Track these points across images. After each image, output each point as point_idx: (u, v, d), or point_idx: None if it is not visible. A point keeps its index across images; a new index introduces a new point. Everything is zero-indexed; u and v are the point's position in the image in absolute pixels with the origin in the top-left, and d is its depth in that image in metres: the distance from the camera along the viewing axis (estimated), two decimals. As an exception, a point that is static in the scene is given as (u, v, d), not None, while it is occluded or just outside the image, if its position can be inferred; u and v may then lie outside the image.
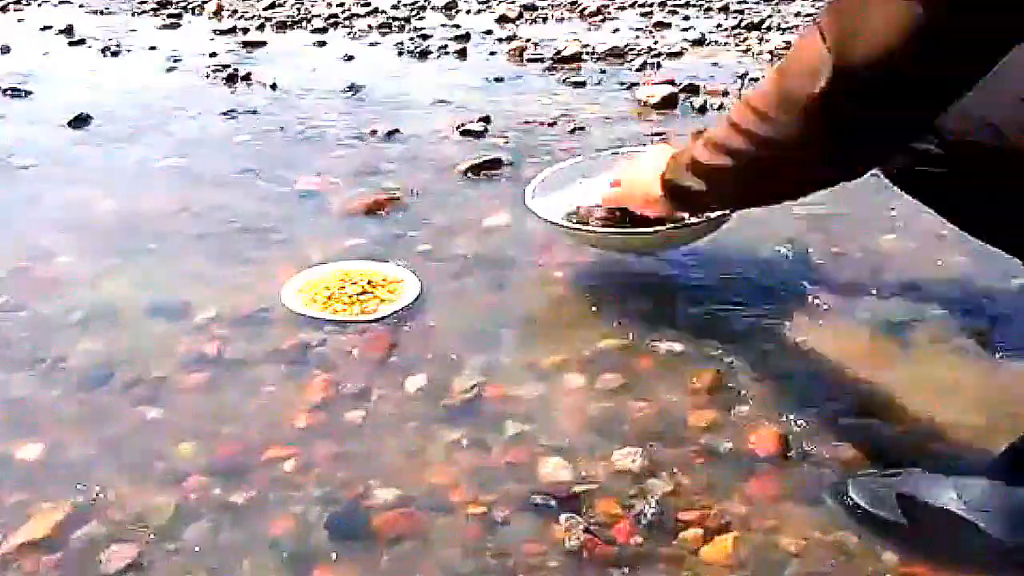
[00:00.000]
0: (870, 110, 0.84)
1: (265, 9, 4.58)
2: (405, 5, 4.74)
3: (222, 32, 4.05)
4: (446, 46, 3.71)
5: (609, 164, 1.63)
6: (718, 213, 1.44)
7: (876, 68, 0.81)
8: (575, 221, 1.53)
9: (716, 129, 1.06)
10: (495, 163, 2.20)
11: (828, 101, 0.84)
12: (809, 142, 0.90)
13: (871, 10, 0.80)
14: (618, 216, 1.48)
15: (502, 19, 4.36)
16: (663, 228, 1.43)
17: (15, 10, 4.75)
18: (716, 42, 3.85)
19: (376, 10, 4.57)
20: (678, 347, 1.37)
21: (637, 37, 3.93)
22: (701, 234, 1.53)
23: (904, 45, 0.78)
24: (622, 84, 3.07)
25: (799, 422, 1.20)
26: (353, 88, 2.99)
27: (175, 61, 3.44)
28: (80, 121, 2.60)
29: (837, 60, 0.82)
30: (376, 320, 1.47)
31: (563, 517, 1.02)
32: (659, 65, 3.35)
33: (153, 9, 4.61)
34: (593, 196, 1.55)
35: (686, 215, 1.43)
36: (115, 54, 3.63)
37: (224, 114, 2.70)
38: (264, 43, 3.81)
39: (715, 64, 3.39)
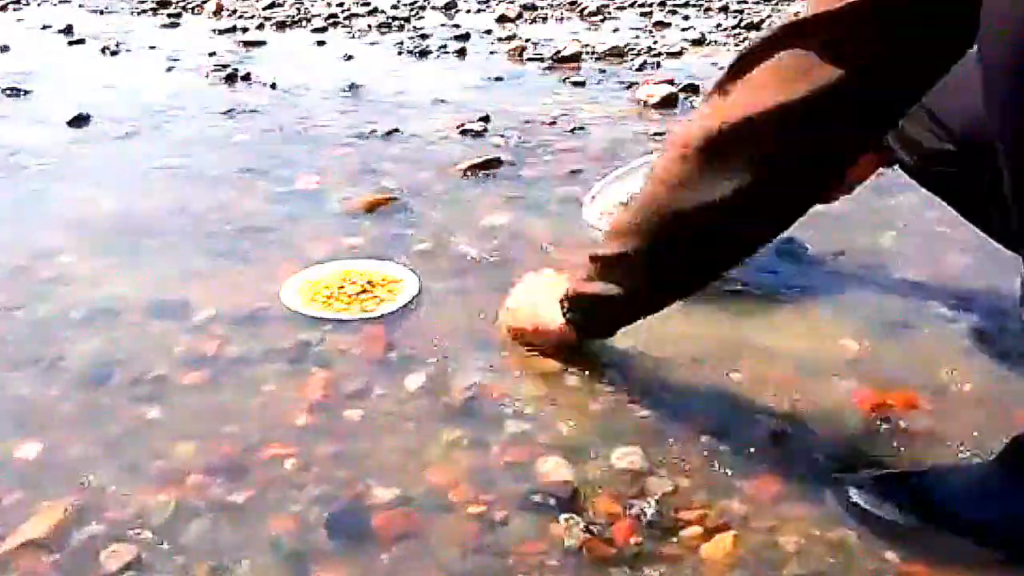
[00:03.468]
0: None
1: (265, 9, 4.59)
2: (405, 5, 4.74)
3: (222, 31, 4.05)
4: (446, 46, 3.71)
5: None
6: None
7: None
8: None
9: (613, 221, 1.04)
10: (495, 162, 2.20)
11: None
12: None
13: None
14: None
15: (502, 19, 4.36)
16: None
17: (14, 9, 4.75)
18: (716, 42, 3.85)
19: (376, 10, 4.57)
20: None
21: (637, 37, 3.94)
22: None
23: None
24: (622, 84, 3.07)
25: (798, 422, 1.20)
26: (353, 87, 2.99)
27: (175, 61, 3.44)
28: (79, 120, 2.60)
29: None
30: (376, 319, 1.47)
31: (562, 517, 1.02)
32: (659, 65, 3.36)
33: (153, 8, 4.61)
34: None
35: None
36: (115, 53, 3.63)
37: (224, 113, 2.71)
38: (264, 43, 3.81)
39: (715, 64, 3.39)
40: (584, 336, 1.24)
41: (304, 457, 1.14)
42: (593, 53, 3.52)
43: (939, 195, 1.14)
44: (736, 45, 3.75)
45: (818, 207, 1.71)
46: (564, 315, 1.19)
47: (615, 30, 4.14)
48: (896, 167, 1.34)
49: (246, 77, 3.14)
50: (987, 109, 0.82)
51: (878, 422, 1.20)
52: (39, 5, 4.89)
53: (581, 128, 2.53)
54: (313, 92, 2.97)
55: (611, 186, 1.68)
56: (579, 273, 1.06)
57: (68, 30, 4.04)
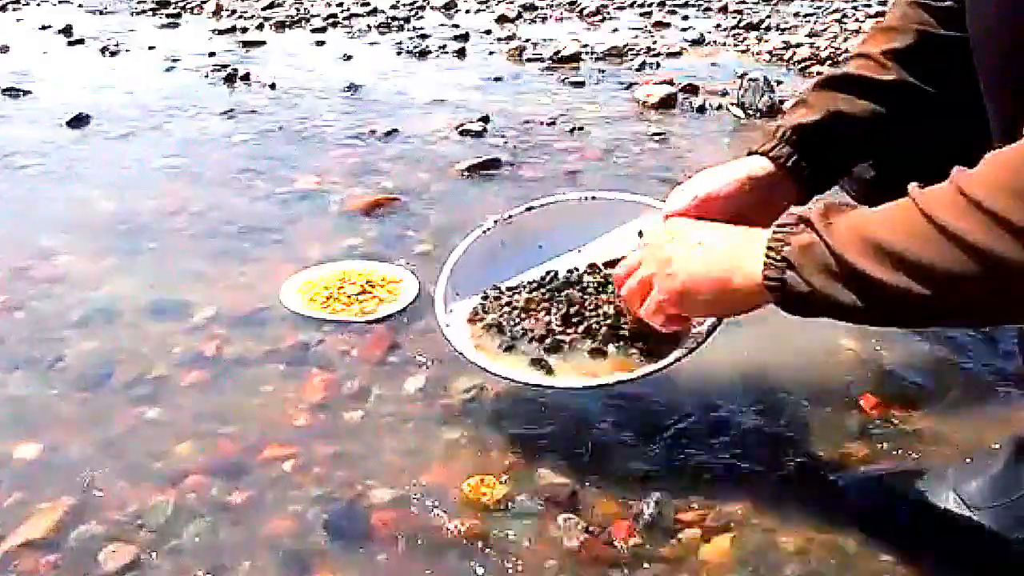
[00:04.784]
0: None
1: (264, 9, 4.59)
2: (404, 5, 4.74)
3: (221, 32, 4.05)
4: (445, 46, 3.71)
5: (533, 225, 1.26)
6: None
7: None
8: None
9: (887, 216, 0.76)
10: (494, 163, 2.20)
11: None
12: None
13: None
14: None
15: (501, 19, 4.36)
16: (679, 353, 1.07)
17: (14, 9, 4.75)
18: (715, 42, 3.85)
19: (375, 10, 4.57)
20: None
21: (636, 37, 3.94)
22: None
23: None
24: (621, 84, 3.07)
25: (798, 422, 1.20)
26: (352, 88, 2.99)
27: (174, 61, 3.44)
28: (79, 121, 2.60)
29: None
30: (376, 320, 1.47)
31: (562, 517, 1.02)
32: (658, 65, 3.36)
33: (152, 9, 4.61)
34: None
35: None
36: (114, 54, 3.62)
37: (223, 114, 2.70)
38: (263, 43, 3.81)
39: (714, 64, 3.40)
40: (782, 303, 0.85)
41: (304, 457, 1.14)
42: (592, 53, 3.52)
43: None
44: (735, 45, 3.75)
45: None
46: (769, 266, 0.84)
47: (614, 30, 4.14)
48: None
49: (245, 77, 3.14)
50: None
51: (878, 422, 1.20)
52: (38, 5, 4.89)
53: (580, 128, 2.53)
54: (313, 92, 2.97)
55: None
56: (814, 247, 0.79)
57: (67, 30, 4.03)
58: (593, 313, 1.14)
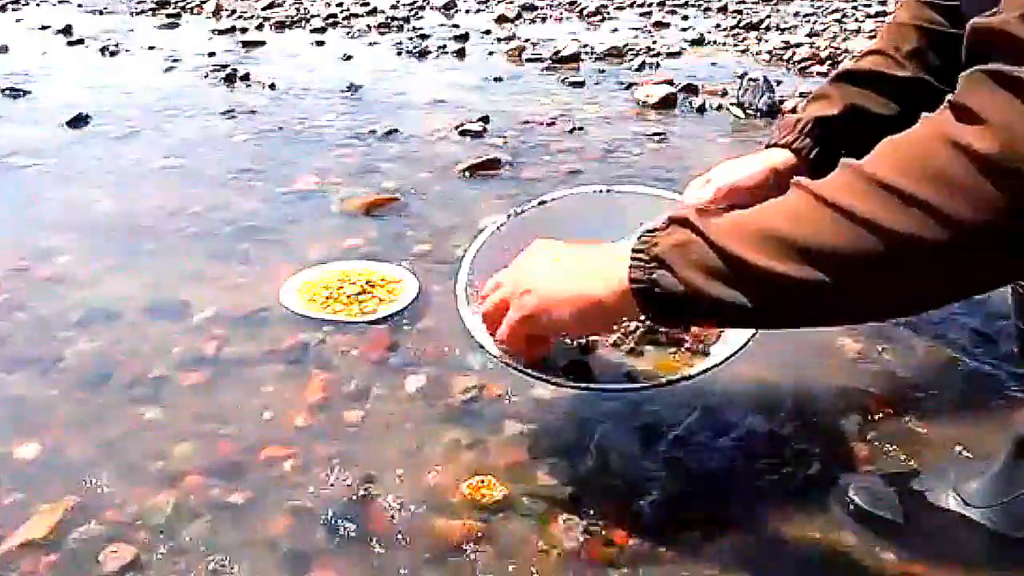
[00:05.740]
0: None
1: (264, 9, 4.59)
2: (404, 5, 4.74)
3: (221, 32, 4.05)
4: (445, 46, 3.71)
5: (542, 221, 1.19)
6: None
7: None
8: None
9: (775, 208, 0.74)
10: (494, 163, 2.20)
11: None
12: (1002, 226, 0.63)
13: None
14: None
15: (501, 19, 4.36)
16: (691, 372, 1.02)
17: (13, 9, 4.75)
18: (715, 42, 3.85)
19: (375, 10, 4.57)
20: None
21: (636, 37, 3.94)
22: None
23: None
24: (621, 84, 3.07)
25: (797, 422, 1.20)
26: (352, 88, 2.99)
27: (174, 61, 3.44)
28: (79, 121, 2.60)
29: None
30: (375, 320, 1.47)
31: (562, 518, 1.02)
32: (658, 65, 3.36)
33: (152, 9, 4.61)
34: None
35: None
36: (113, 54, 3.63)
37: (223, 114, 2.70)
38: (263, 43, 3.81)
39: (714, 64, 3.40)
40: (650, 310, 0.80)
41: (303, 458, 1.14)
42: (592, 53, 3.52)
43: None
44: (735, 45, 3.75)
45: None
46: (636, 267, 0.79)
47: (614, 30, 4.14)
48: None
49: (245, 77, 3.14)
50: None
51: (878, 422, 1.20)
52: (38, 5, 4.89)
53: (580, 128, 2.53)
54: (312, 92, 2.97)
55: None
56: (689, 244, 0.75)
57: (67, 30, 4.04)
58: None
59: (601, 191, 1.25)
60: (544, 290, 0.89)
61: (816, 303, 0.71)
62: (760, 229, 0.72)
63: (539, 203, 1.24)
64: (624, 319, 0.89)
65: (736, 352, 1.03)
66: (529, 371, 1.01)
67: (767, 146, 1.09)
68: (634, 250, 0.80)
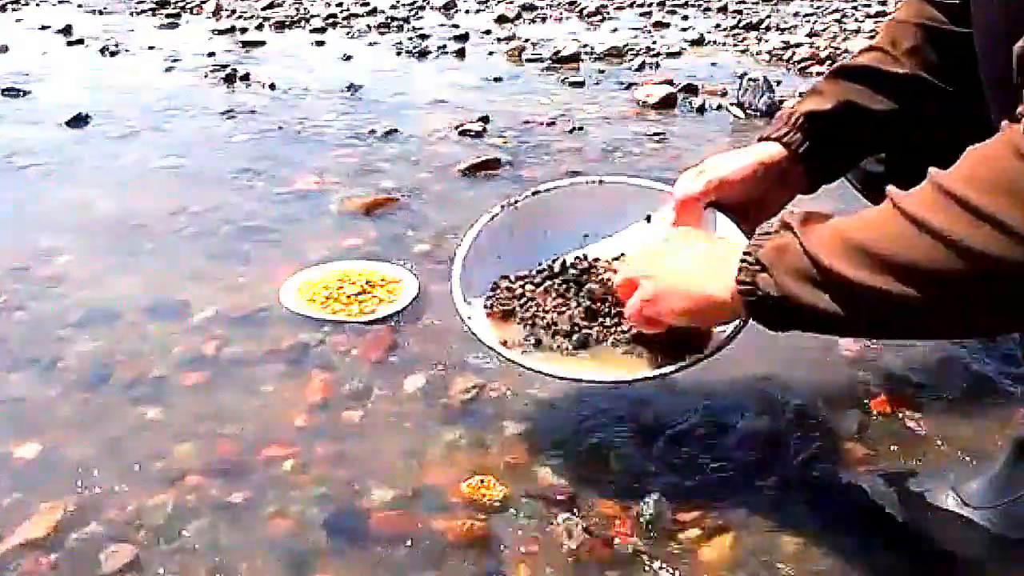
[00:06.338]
0: None
1: (264, 9, 4.59)
2: (404, 5, 4.74)
3: (221, 32, 4.05)
4: (445, 46, 3.71)
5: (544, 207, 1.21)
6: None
7: None
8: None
9: (867, 219, 0.73)
10: (494, 163, 2.20)
11: None
12: None
13: None
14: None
15: (500, 19, 4.36)
16: (699, 356, 1.01)
17: (13, 9, 4.75)
18: (715, 42, 3.85)
19: (375, 10, 4.57)
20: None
21: (636, 37, 3.94)
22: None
23: None
24: (621, 84, 3.07)
25: (797, 422, 1.20)
26: (352, 88, 2.99)
27: (174, 61, 3.44)
28: (79, 121, 2.60)
29: None
30: (375, 320, 1.47)
31: (562, 518, 1.02)
32: (658, 65, 3.36)
33: (151, 9, 4.61)
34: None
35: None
36: (113, 54, 3.63)
37: (222, 114, 2.71)
38: (263, 43, 3.81)
39: (714, 64, 3.40)
40: (755, 312, 0.82)
41: (303, 458, 1.14)
42: (592, 53, 3.52)
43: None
44: (735, 45, 3.76)
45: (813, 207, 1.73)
46: (741, 302, 0.82)
47: (614, 30, 4.14)
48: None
49: (245, 77, 3.14)
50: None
51: (878, 422, 1.20)
52: (38, 5, 4.89)
53: (580, 128, 2.53)
54: (312, 92, 2.97)
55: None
56: (787, 254, 0.76)
57: (67, 30, 4.04)
58: (617, 307, 1.10)
59: (593, 182, 1.25)
60: (663, 280, 0.93)
61: (905, 316, 0.71)
62: (847, 238, 0.72)
63: (532, 194, 1.23)
64: (734, 319, 0.92)
65: (713, 352, 1.01)
66: (517, 361, 1.05)
67: (759, 139, 1.09)
68: (745, 252, 0.82)
